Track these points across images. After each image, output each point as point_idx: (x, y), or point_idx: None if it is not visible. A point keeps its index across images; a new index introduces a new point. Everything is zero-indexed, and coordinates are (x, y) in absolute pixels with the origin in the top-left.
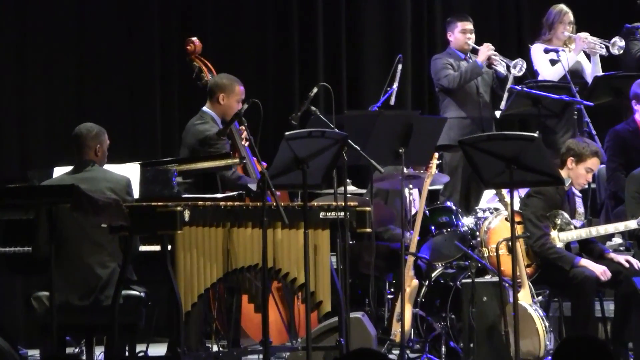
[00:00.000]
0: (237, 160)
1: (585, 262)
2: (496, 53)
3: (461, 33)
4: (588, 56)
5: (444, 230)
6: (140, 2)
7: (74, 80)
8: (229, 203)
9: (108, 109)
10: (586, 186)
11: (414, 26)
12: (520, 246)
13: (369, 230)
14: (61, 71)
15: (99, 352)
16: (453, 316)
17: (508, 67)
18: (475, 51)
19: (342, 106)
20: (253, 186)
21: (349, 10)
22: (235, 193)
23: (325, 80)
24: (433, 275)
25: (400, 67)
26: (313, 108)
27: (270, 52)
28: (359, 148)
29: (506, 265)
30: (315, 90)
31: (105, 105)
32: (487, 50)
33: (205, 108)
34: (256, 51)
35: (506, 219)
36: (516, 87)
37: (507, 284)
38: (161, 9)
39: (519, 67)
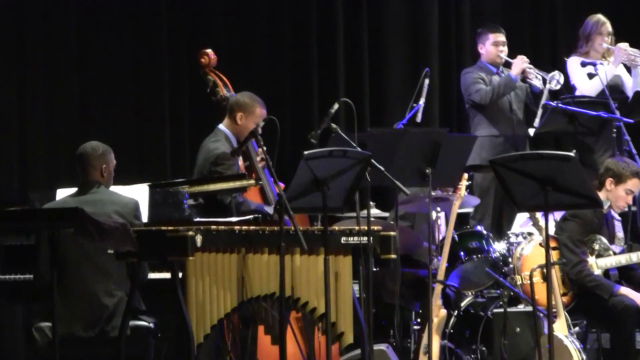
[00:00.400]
0: (252, 182)
1: (625, 290)
2: (531, 66)
3: (493, 45)
4: (628, 69)
5: (474, 256)
6: (147, 13)
7: (77, 95)
8: (244, 227)
9: (114, 127)
10: (626, 209)
11: (442, 38)
12: (555, 273)
13: (393, 256)
14: (63, 86)
15: None
16: (484, 348)
17: (544, 81)
18: (508, 64)
19: (365, 123)
20: (270, 209)
21: (371, 20)
22: (251, 217)
23: (347, 95)
24: (462, 304)
25: (427, 81)
26: (334, 125)
27: (286, 65)
28: (383, 168)
29: (541, 293)
30: (336, 106)
31: (111, 122)
32: (521, 62)
33: (221, 125)
34: (271, 65)
35: (540, 245)
36: (551, 103)
37: (541, 314)
38: (170, 20)
39: (555, 81)
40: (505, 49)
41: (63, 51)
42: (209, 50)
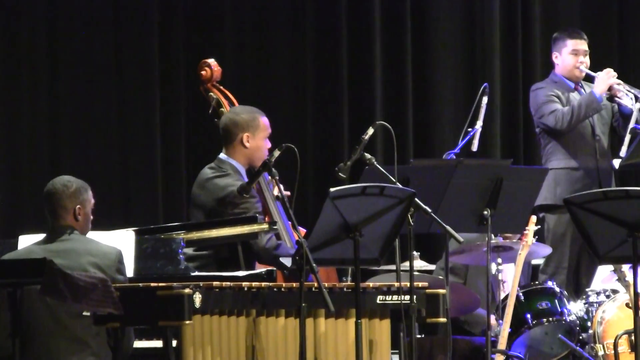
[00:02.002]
0: (265, 226)
1: None
2: (620, 81)
3: (572, 54)
4: None
5: (544, 319)
6: (135, 14)
7: (45, 117)
8: (254, 284)
9: (92, 158)
10: None
11: (504, 45)
12: None
13: (443, 320)
14: (28, 108)
15: None
16: None
17: (636, 99)
18: (589, 78)
19: (407, 153)
20: (288, 261)
21: (416, 24)
22: (264, 270)
23: (385, 118)
24: None
25: (485, 100)
26: (368, 156)
27: (309, 80)
28: (429, 210)
29: None
30: (370, 131)
31: (88, 152)
32: (607, 78)
33: (223, 155)
34: (291, 79)
35: (628, 305)
36: None
37: None
38: (163, 21)
39: None
40: (586, 59)
41: (29, 62)
42: (212, 61)
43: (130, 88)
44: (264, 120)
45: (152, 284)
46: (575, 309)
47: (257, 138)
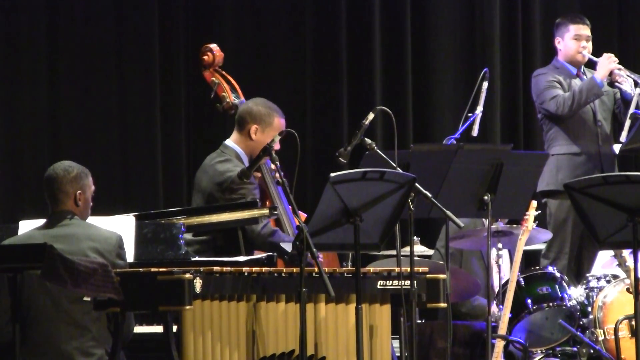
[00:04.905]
0: (266, 212)
1: None
2: (620, 67)
3: (574, 39)
4: None
5: (545, 305)
6: (135, 1)
7: (45, 102)
8: (254, 269)
9: (92, 143)
10: None
11: (504, 30)
12: None
13: (443, 305)
14: (28, 93)
15: None
16: None
17: (636, 84)
18: (591, 64)
19: (407, 138)
20: (288, 246)
21: (416, 9)
22: (264, 255)
23: (384, 103)
24: None
25: (485, 85)
26: (368, 141)
27: (309, 64)
28: (430, 195)
29: (628, 351)
30: (370, 116)
31: (88, 137)
32: (608, 63)
33: (229, 141)
34: (291, 64)
35: (628, 290)
36: None
37: None
38: (163, 6)
39: None
40: (589, 45)
41: (29, 47)
42: (214, 46)
43: (131, 73)
44: (279, 121)
45: (153, 269)
46: (575, 294)
47: (265, 134)
